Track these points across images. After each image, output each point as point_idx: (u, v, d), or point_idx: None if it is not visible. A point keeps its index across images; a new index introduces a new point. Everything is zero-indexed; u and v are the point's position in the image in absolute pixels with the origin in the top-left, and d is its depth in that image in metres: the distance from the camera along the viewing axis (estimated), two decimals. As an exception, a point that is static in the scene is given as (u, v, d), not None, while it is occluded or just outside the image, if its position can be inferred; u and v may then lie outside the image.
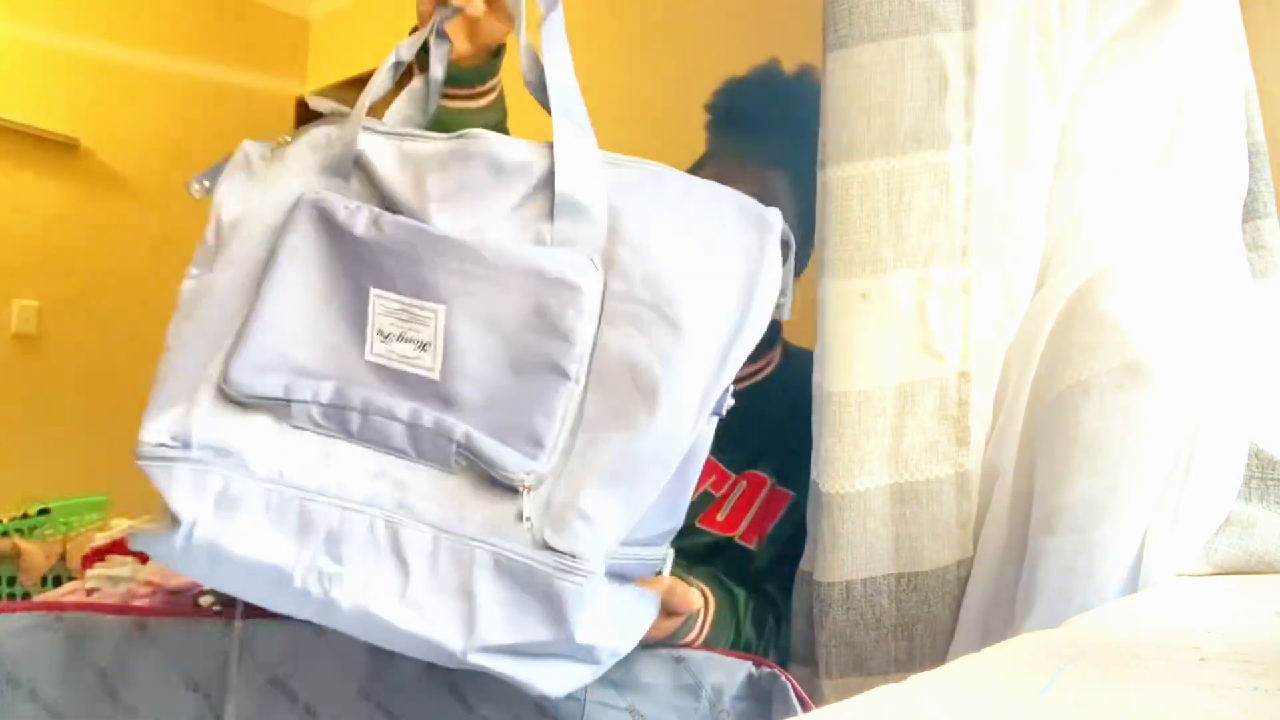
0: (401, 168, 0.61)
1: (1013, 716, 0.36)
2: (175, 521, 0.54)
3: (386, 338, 0.56)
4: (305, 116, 3.23)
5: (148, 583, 1.46)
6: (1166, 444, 0.67)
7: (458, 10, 0.74)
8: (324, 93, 3.09)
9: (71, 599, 1.45)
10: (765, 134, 1.05)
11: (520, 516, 0.52)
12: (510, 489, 0.53)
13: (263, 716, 0.66)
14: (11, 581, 1.85)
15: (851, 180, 0.70)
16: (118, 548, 1.72)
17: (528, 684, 0.52)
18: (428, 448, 0.54)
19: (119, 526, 1.80)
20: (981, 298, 0.72)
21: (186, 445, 0.56)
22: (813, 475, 0.75)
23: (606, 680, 0.61)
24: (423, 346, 0.55)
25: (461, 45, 0.78)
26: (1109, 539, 0.65)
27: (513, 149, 0.59)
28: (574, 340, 0.54)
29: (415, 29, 0.75)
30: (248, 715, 0.66)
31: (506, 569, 0.51)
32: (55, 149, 2.69)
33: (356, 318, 0.57)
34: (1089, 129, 0.77)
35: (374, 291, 0.56)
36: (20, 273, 2.63)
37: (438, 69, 0.73)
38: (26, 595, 1.81)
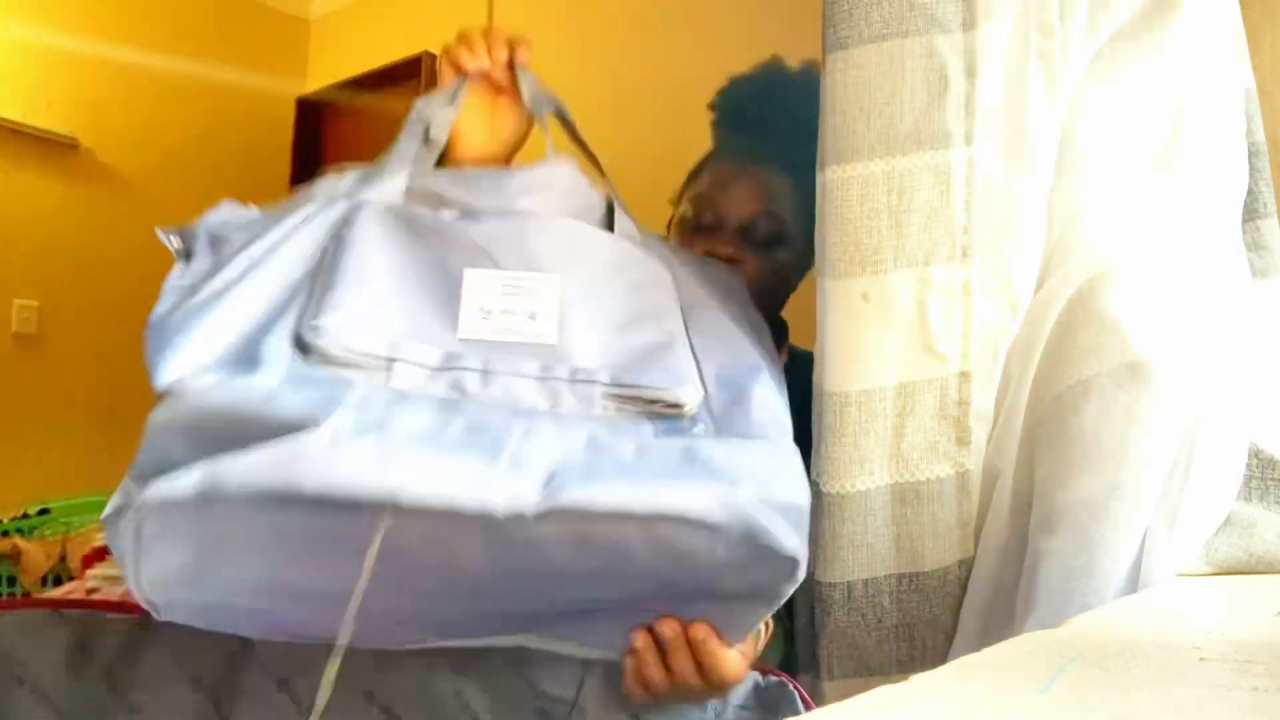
0: (469, 183, 0.66)
1: (1013, 716, 0.36)
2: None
3: (489, 314, 0.55)
4: (305, 116, 3.24)
5: (148, 582, 1.46)
6: (1166, 444, 0.67)
7: (480, 72, 0.76)
8: (324, 92, 3.09)
9: (73, 598, 1.45)
10: (770, 131, 1.05)
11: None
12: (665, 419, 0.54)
13: (266, 716, 0.66)
14: (11, 581, 1.85)
15: (851, 181, 0.70)
16: (118, 547, 1.72)
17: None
18: (567, 397, 0.53)
19: (120, 526, 1.80)
20: (982, 298, 0.72)
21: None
22: (813, 475, 0.75)
23: (611, 689, 0.61)
24: (532, 316, 0.55)
25: (482, 131, 0.79)
26: (1109, 539, 0.66)
27: (583, 194, 0.71)
28: (669, 311, 0.60)
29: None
30: (251, 715, 0.66)
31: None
32: (55, 149, 2.69)
33: (447, 299, 0.56)
34: (1089, 129, 0.77)
35: (469, 272, 0.56)
36: (20, 273, 2.64)
37: (441, 133, 0.74)
38: (26, 595, 1.81)
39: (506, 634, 0.57)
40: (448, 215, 0.61)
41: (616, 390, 0.54)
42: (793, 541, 0.50)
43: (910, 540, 0.72)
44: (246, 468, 0.43)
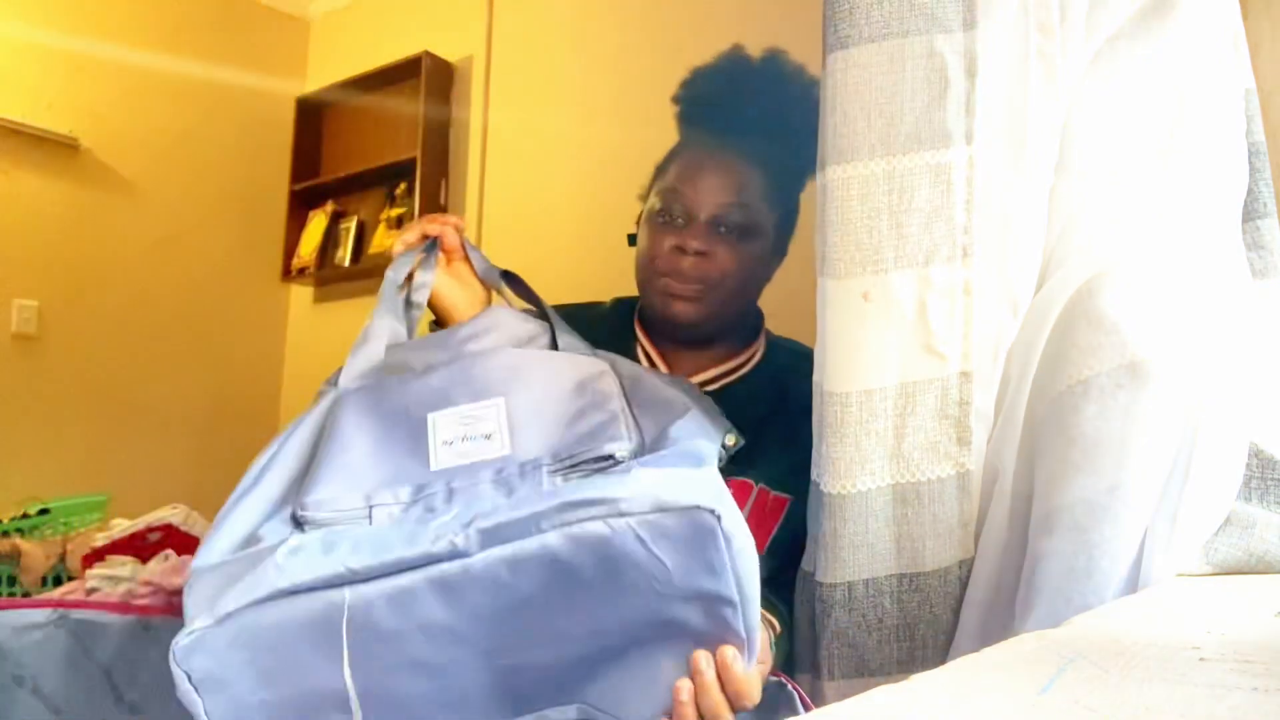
0: (424, 345, 0.82)
1: (1013, 716, 0.36)
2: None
3: (450, 444, 0.66)
4: (305, 116, 3.24)
5: (147, 582, 1.46)
6: (1166, 444, 0.67)
7: (433, 242, 0.93)
8: (324, 92, 3.09)
9: (73, 599, 1.45)
10: (735, 121, 1.05)
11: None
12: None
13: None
14: (12, 581, 1.85)
15: (852, 180, 0.70)
16: (118, 548, 1.72)
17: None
18: (519, 486, 0.62)
19: (119, 526, 1.80)
20: (982, 297, 0.72)
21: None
22: (813, 476, 0.75)
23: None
24: (487, 436, 0.66)
25: (455, 286, 0.94)
26: (1109, 539, 0.66)
27: (523, 326, 0.85)
28: (611, 394, 0.69)
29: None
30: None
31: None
32: (55, 149, 2.69)
33: (415, 443, 0.67)
34: (1089, 129, 0.77)
35: (431, 416, 0.68)
36: (20, 273, 2.64)
37: (422, 296, 0.91)
38: (26, 595, 1.81)
39: (559, 703, 0.61)
40: (410, 376, 0.74)
41: (558, 466, 0.63)
42: (689, 499, 0.55)
43: (911, 540, 0.72)
44: (235, 592, 0.55)
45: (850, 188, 0.71)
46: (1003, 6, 0.72)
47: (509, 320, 0.85)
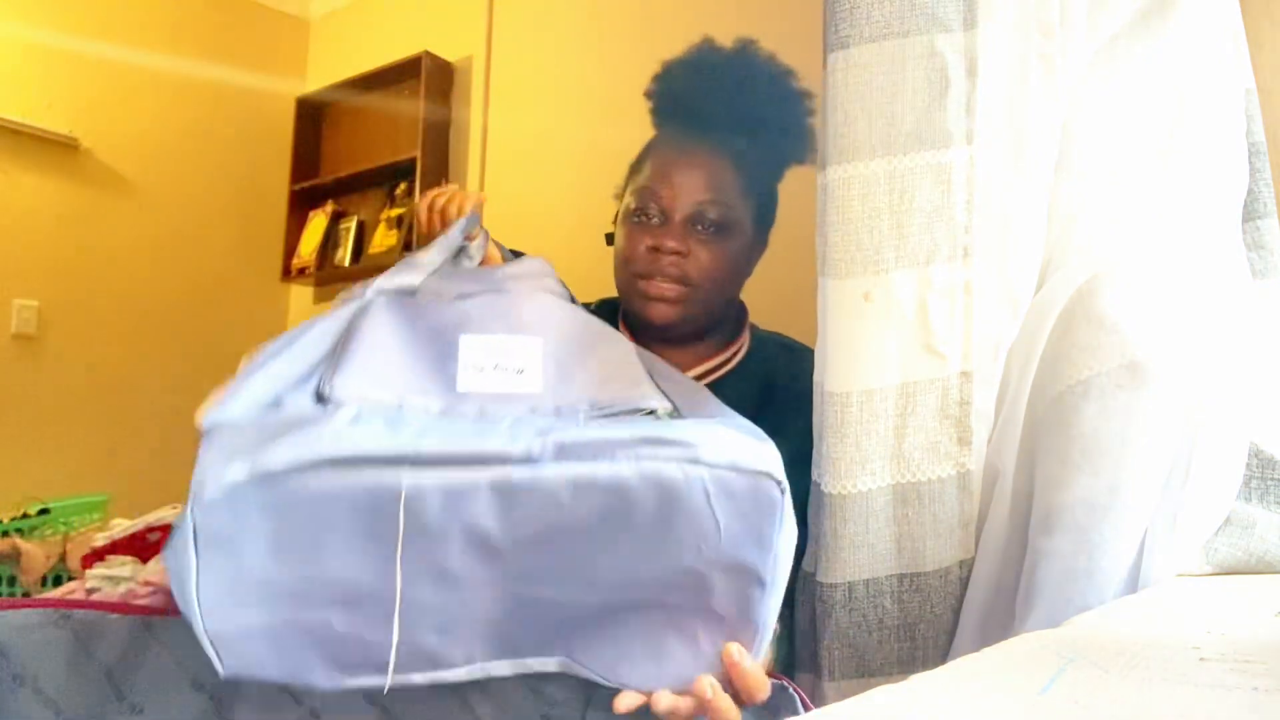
0: (463, 277, 0.79)
1: (1013, 716, 0.36)
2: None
3: (482, 370, 0.63)
4: (305, 116, 3.24)
5: (147, 582, 1.46)
6: (1166, 444, 0.67)
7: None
8: (324, 92, 3.09)
9: (73, 599, 1.45)
10: (709, 115, 1.04)
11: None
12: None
13: (267, 717, 0.66)
14: (11, 581, 1.85)
15: (853, 180, 0.70)
16: (118, 548, 1.72)
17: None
18: (555, 421, 0.59)
19: (119, 526, 1.80)
20: (983, 297, 0.72)
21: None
22: (814, 476, 0.75)
23: (605, 695, 0.61)
24: (520, 371, 0.64)
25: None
26: (1109, 539, 0.66)
27: (558, 285, 0.82)
28: (635, 365, 0.67)
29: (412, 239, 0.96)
30: (252, 716, 0.66)
31: None
32: (55, 149, 2.69)
33: (446, 362, 0.64)
34: (1089, 128, 0.78)
35: (464, 338, 0.65)
36: (20, 273, 2.64)
37: (477, 257, 0.92)
38: (26, 595, 1.81)
39: (543, 654, 0.59)
40: (445, 302, 0.71)
41: (597, 414, 0.60)
42: (761, 465, 0.54)
43: (912, 540, 0.72)
44: (283, 448, 0.50)
45: (851, 188, 0.71)
46: (1003, 7, 0.72)
47: (542, 268, 0.83)
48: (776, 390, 1.02)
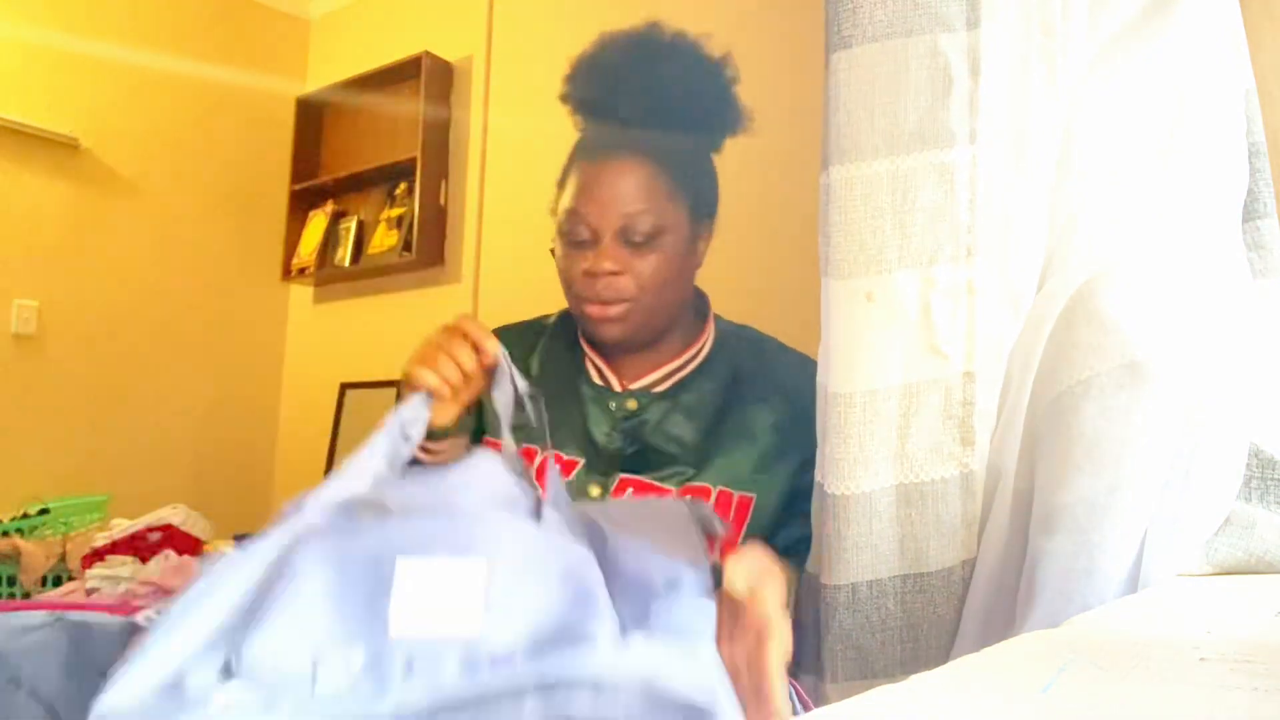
0: (406, 487, 0.70)
1: (1013, 716, 0.36)
2: None
3: (417, 607, 0.57)
4: (305, 116, 3.24)
5: (147, 582, 1.46)
6: (1166, 444, 0.67)
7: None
8: (324, 92, 3.09)
9: (73, 599, 1.45)
10: (620, 110, 0.98)
11: None
12: None
13: None
14: (11, 581, 1.85)
15: (855, 180, 0.70)
16: (118, 548, 1.72)
17: None
18: (486, 668, 0.55)
19: (119, 526, 1.80)
20: (985, 297, 0.72)
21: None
22: (817, 477, 0.75)
23: None
24: (459, 608, 0.57)
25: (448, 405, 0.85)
26: (1109, 539, 0.66)
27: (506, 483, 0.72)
28: (591, 585, 0.59)
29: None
30: (249, 717, 0.66)
31: None
32: (55, 149, 2.69)
33: (377, 600, 0.57)
34: (1090, 128, 0.77)
35: (400, 564, 0.58)
36: (20, 273, 2.64)
37: (416, 432, 0.78)
38: (26, 595, 1.81)
39: None
40: (387, 519, 0.64)
41: (533, 652, 0.55)
42: (682, 689, 0.50)
43: (915, 541, 0.72)
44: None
45: (854, 188, 0.70)
46: (1006, 6, 0.72)
47: (495, 472, 0.75)
48: (744, 387, 1.00)
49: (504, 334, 1.11)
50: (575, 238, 0.96)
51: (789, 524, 0.95)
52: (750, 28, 2.04)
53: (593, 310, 0.96)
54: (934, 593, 0.73)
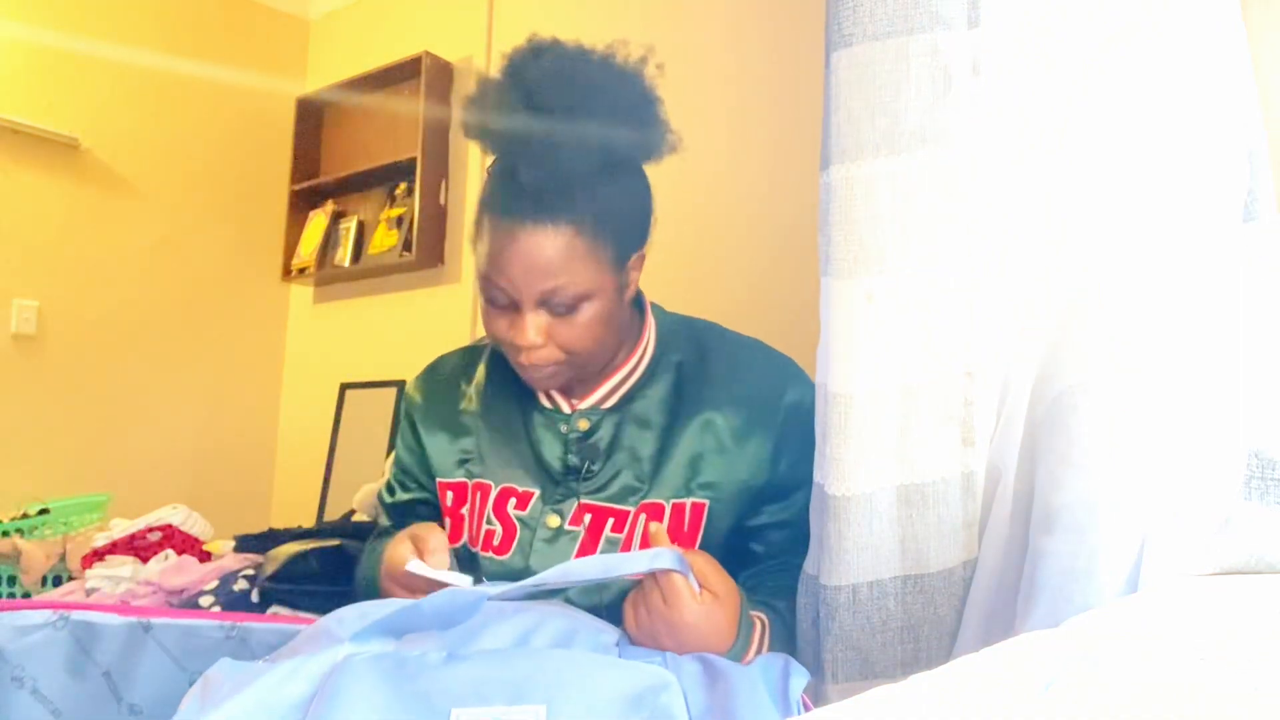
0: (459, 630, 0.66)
1: (1013, 716, 0.36)
2: None
3: None
4: (305, 116, 3.23)
5: (147, 582, 1.46)
6: (1166, 444, 0.67)
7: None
8: (324, 92, 3.09)
9: (73, 599, 1.45)
10: (531, 125, 0.87)
11: None
12: None
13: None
14: (11, 581, 1.85)
15: (855, 180, 0.70)
16: (118, 548, 1.72)
17: None
18: None
19: (119, 526, 1.80)
20: (985, 297, 0.72)
21: None
22: (817, 478, 0.75)
23: None
24: None
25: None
26: (1109, 539, 0.66)
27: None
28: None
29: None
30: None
31: None
32: (55, 149, 2.69)
33: None
34: (1090, 128, 0.77)
35: (455, 712, 0.55)
36: (20, 273, 2.64)
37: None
38: (26, 595, 1.81)
39: None
40: (435, 657, 0.60)
41: None
42: None
43: (916, 542, 0.72)
44: None
45: (854, 187, 0.70)
46: (1006, 6, 0.72)
47: (559, 612, 0.69)
48: (687, 385, 0.96)
49: (444, 362, 1.09)
50: (494, 302, 0.89)
51: (755, 535, 0.93)
52: (750, 27, 2.04)
53: (522, 371, 0.91)
54: (934, 593, 0.73)
